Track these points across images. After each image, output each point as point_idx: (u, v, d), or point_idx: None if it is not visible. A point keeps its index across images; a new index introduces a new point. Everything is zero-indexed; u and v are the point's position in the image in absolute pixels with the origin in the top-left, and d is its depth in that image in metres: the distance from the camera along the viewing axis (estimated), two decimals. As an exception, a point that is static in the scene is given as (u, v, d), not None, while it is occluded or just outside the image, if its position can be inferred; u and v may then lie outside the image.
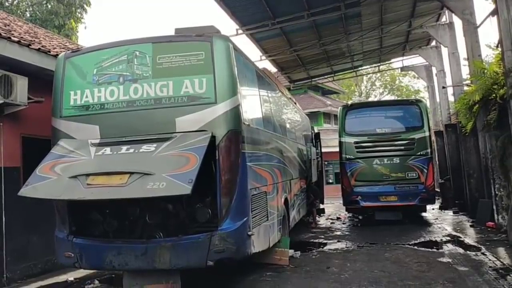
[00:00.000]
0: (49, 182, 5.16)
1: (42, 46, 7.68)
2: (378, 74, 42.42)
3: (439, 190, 17.38)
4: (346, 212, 14.67)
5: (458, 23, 13.99)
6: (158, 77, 5.79)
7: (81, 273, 7.38)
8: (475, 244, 8.90)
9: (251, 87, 7.03)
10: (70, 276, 7.36)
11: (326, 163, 26.51)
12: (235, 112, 5.73)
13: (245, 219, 5.70)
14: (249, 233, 5.77)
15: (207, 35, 5.85)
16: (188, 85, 5.70)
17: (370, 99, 41.13)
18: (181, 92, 5.70)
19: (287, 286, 6.41)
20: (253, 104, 6.95)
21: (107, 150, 5.49)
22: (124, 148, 5.45)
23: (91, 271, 7.31)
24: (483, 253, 7.96)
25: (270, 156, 7.58)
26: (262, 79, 7.94)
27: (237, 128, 5.72)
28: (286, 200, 8.63)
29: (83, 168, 5.27)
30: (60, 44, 9.99)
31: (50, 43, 9.19)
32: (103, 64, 5.97)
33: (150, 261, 5.46)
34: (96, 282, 6.95)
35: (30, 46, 7.35)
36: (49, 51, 7.55)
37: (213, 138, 5.46)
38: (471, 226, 11.36)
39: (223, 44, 5.85)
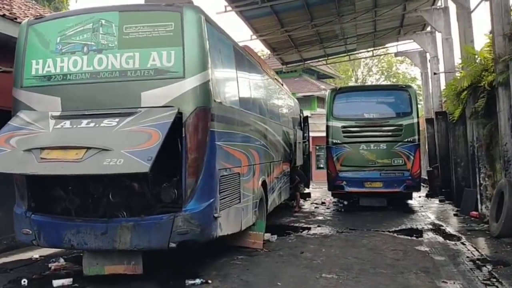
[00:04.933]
0: (3, 154, 4.90)
1: (11, 13, 7.29)
2: (375, 60, 41.95)
3: (426, 178, 17.22)
4: (332, 197, 14.51)
5: (453, 8, 13.59)
6: (124, 48, 5.48)
7: (47, 251, 7.15)
8: (456, 233, 8.71)
9: (226, 63, 6.70)
10: (35, 254, 7.13)
11: (317, 147, 26.33)
12: (205, 88, 5.45)
13: (211, 200, 5.47)
14: (216, 215, 5.53)
15: (178, 5, 5.51)
16: (155, 58, 5.40)
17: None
18: (148, 65, 5.41)
19: (256, 270, 6.19)
20: (227, 81, 6.65)
21: (67, 123, 5.22)
22: (84, 122, 5.18)
23: (58, 250, 7.09)
24: (462, 243, 7.78)
25: (247, 136, 7.30)
26: (240, 56, 7.60)
27: (206, 105, 5.45)
28: (264, 183, 8.39)
29: (39, 141, 5.01)
30: (37, 14, 9.57)
31: (24, 12, 8.79)
32: (67, 33, 5.65)
33: (110, 241, 5.24)
34: (61, 260, 6.70)
35: (-6, 13, 6.95)
36: (16, 18, 7.15)
37: (179, 114, 5.20)
38: (454, 215, 11.18)
39: (194, 15, 5.52)
